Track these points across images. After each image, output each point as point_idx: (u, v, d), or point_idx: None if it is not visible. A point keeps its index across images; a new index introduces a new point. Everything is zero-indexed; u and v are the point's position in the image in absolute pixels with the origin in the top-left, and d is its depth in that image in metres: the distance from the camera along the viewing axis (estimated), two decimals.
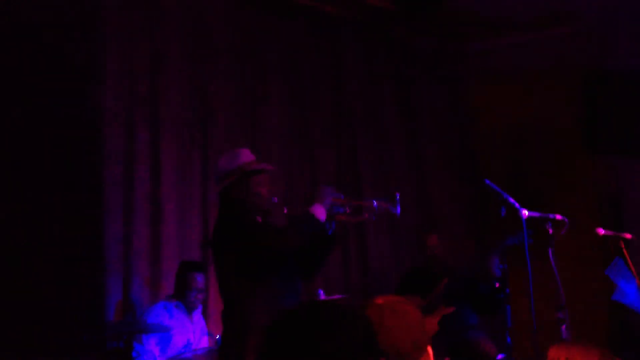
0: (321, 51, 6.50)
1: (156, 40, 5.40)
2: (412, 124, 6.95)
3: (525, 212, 4.32)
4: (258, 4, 6.05)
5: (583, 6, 6.33)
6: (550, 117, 6.75)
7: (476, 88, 7.13)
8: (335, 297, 5.13)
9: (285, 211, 3.89)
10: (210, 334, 4.96)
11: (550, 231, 4.36)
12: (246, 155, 3.70)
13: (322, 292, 4.90)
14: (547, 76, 6.77)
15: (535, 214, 4.38)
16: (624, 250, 4.56)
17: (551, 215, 4.41)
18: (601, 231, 4.69)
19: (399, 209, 3.74)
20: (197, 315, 4.95)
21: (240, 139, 5.75)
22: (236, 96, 5.84)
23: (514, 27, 6.76)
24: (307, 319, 1.50)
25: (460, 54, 7.15)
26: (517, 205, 4.33)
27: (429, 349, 1.99)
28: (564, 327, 4.08)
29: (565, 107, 6.65)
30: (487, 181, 4.48)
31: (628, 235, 4.68)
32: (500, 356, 4.74)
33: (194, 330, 4.84)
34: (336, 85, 6.55)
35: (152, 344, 4.62)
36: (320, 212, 3.54)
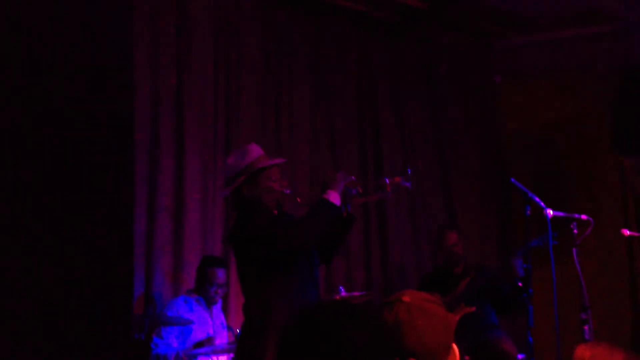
0: (348, 48, 6.47)
1: (182, 37, 5.41)
2: (439, 121, 6.90)
3: (550, 212, 4.29)
4: (285, 1, 6.04)
5: (614, 5, 6.25)
6: (579, 116, 6.68)
7: (505, 86, 7.07)
8: (356, 293, 5.12)
9: (299, 201, 3.90)
10: (230, 329, 4.97)
11: (575, 231, 4.32)
12: (254, 152, 3.69)
13: (342, 288, 4.87)
14: (577, 75, 6.70)
15: (560, 214, 4.34)
16: None
17: (576, 215, 4.37)
18: (626, 232, 4.64)
19: (410, 183, 3.74)
20: (217, 309, 4.96)
21: (265, 134, 5.76)
22: (261, 91, 5.84)
23: (544, 25, 6.69)
24: (321, 320, 1.49)
25: (489, 51, 7.10)
26: (542, 204, 4.29)
27: (455, 347, 1.98)
28: (586, 327, 4.04)
29: (594, 107, 6.58)
30: (513, 180, 4.45)
31: None
32: (520, 356, 4.71)
33: (213, 325, 4.85)
34: (362, 82, 6.52)
35: (171, 337, 4.64)
36: (334, 197, 3.54)
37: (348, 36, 6.48)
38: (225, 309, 5.19)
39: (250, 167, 3.62)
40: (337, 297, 4.72)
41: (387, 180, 3.78)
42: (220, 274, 4.85)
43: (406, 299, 1.90)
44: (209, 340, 4.55)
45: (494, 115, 7.07)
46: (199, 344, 4.55)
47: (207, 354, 4.53)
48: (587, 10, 6.36)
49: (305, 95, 6.12)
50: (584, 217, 4.35)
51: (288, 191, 3.72)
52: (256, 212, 3.55)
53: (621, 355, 2.04)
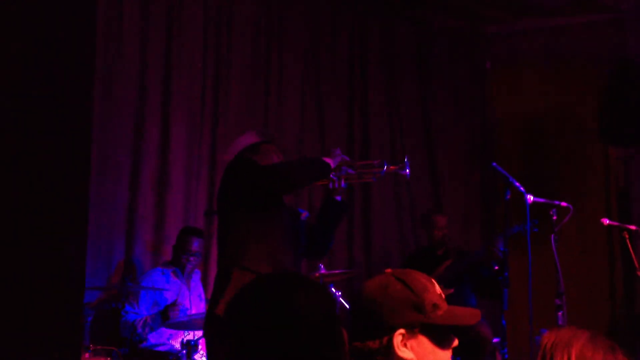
0: (342, 25, 6.46)
1: (173, 5, 5.39)
2: (428, 104, 6.90)
3: (530, 197, 4.30)
4: None
5: None
6: (568, 104, 6.69)
7: (495, 72, 7.07)
8: (336, 271, 5.14)
9: None
10: (208, 301, 4.98)
11: (554, 218, 4.34)
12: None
13: (322, 266, 4.89)
14: (568, 64, 6.70)
15: (541, 200, 4.35)
16: (628, 242, 4.53)
17: (556, 202, 4.39)
18: (606, 221, 4.66)
19: (408, 172, 3.72)
20: (195, 281, 4.96)
21: (253, 109, 5.75)
22: (251, 67, 5.83)
23: (538, 12, 6.68)
24: (270, 289, 1.51)
25: (481, 36, 7.09)
26: (522, 189, 4.30)
27: (435, 281, 2.01)
28: (560, 313, 4.07)
29: (583, 96, 6.59)
30: (494, 164, 4.46)
31: (633, 227, 4.66)
32: (495, 339, 4.74)
33: (190, 296, 4.86)
34: (354, 60, 6.51)
35: (143, 307, 4.66)
36: (328, 160, 3.55)
37: (342, 13, 6.46)
38: (205, 282, 5.19)
39: (258, 135, 3.63)
40: (317, 275, 4.75)
41: (385, 164, 3.76)
42: (194, 242, 4.83)
43: (388, 270, 1.95)
44: (172, 304, 4.53)
45: (483, 100, 7.07)
46: (165, 311, 4.54)
47: (183, 327, 4.54)
48: None
49: (296, 71, 6.11)
50: (563, 204, 4.36)
51: None
52: (247, 162, 3.49)
53: (585, 335, 2.05)
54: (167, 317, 4.51)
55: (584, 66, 6.61)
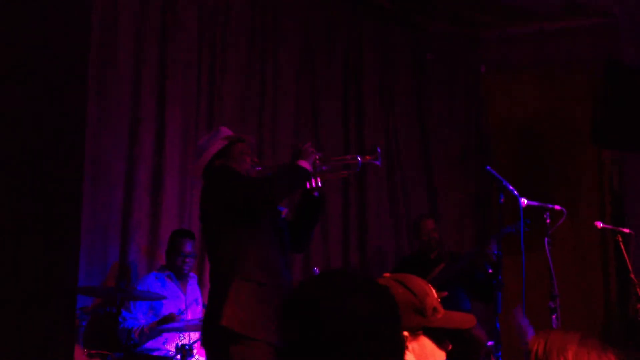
0: (337, 30, 6.47)
1: (167, 10, 5.40)
2: (423, 108, 6.91)
3: (524, 201, 4.30)
4: None
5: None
6: (562, 108, 6.71)
7: (489, 76, 7.09)
8: None
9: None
10: (205, 305, 4.98)
11: (548, 221, 4.35)
12: (224, 133, 3.68)
13: (317, 270, 4.89)
14: (561, 68, 6.73)
15: (534, 203, 4.36)
16: (621, 245, 4.55)
17: (550, 205, 4.40)
18: (599, 224, 4.67)
19: (380, 161, 3.76)
20: (192, 285, 4.96)
21: (248, 113, 5.76)
22: (246, 71, 5.83)
23: (532, 16, 6.71)
24: (320, 290, 1.48)
25: (476, 41, 7.11)
26: (515, 193, 4.31)
27: (432, 288, 2.03)
28: (554, 316, 4.08)
29: (577, 100, 6.61)
30: (488, 168, 4.47)
31: (626, 230, 4.67)
32: (490, 342, 4.74)
33: (186, 300, 4.85)
34: (349, 65, 6.52)
35: (139, 312, 4.66)
36: (305, 164, 3.55)
37: (338, 18, 6.48)
38: (201, 285, 5.18)
39: (223, 139, 3.61)
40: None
41: (359, 158, 3.79)
42: (187, 244, 4.83)
43: (386, 275, 1.97)
44: (171, 317, 4.54)
45: (478, 104, 7.09)
46: (162, 321, 4.54)
47: (178, 330, 4.54)
48: (575, 3, 6.38)
49: (291, 75, 6.13)
50: (557, 207, 4.37)
51: (259, 168, 3.71)
52: (225, 173, 3.52)
53: (576, 337, 2.07)
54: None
55: (577, 70, 6.64)
